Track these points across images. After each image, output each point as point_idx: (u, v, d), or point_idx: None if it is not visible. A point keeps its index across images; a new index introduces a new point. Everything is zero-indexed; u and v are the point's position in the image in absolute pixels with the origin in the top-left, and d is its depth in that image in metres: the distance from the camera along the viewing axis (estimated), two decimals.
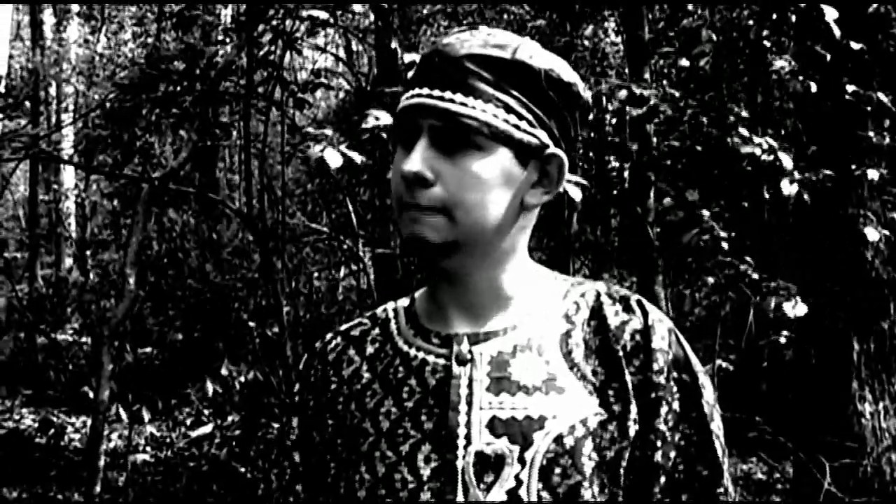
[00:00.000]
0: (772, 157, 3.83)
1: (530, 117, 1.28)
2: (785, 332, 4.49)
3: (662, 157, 5.71)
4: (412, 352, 1.34)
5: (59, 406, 9.06)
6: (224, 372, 6.85)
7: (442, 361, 1.31)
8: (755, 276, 4.08)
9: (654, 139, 6.28)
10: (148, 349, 10.29)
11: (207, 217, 9.86)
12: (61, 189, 14.12)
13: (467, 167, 1.26)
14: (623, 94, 4.35)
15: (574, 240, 7.40)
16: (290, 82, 4.59)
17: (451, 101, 1.26)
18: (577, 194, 3.33)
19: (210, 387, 6.73)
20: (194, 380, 7.94)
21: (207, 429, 7.76)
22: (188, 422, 8.31)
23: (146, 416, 7.57)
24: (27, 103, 11.79)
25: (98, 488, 3.95)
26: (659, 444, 1.28)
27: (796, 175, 3.91)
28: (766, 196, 3.96)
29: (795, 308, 3.91)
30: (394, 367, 1.34)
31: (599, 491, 1.25)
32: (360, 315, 1.50)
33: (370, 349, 1.40)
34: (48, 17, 14.10)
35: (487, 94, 1.26)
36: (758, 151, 3.87)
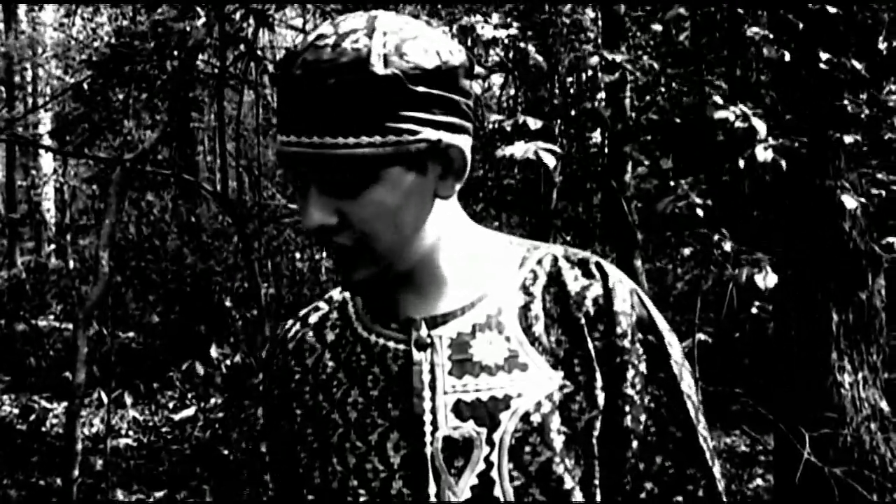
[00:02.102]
0: (746, 124, 3.82)
1: (409, 126, 1.19)
2: (757, 303, 4.49)
3: (638, 127, 5.71)
4: (372, 338, 1.32)
5: (39, 392, 9.01)
6: (213, 354, 6.84)
7: (402, 347, 1.29)
8: (728, 247, 4.07)
9: (632, 114, 6.28)
10: (129, 334, 10.26)
11: (186, 200, 9.81)
12: (39, 174, 14.02)
13: (367, 202, 1.20)
14: (594, 60, 4.32)
15: (555, 216, 7.38)
16: (263, 59, 4.54)
17: (323, 145, 1.17)
18: (550, 160, 3.32)
19: (200, 369, 6.72)
20: (176, 363, 7.92)
21: (190, 412, 7.75)
22: (171, 405, 8.30)
23: (128, 400, 7.55)
24: (1, 87, 11.69)
25: (76, 472, 3.93)
26: (627, 408, 1.26)
27: (770, 141, 3.89)
28: (742, 165, 3.93)
29: (766, 279, 3.91)
30: (356, 355, 1.32)
31: (575, 463, 1.24)
32: (318, 298, 1.47)
33: (331, 335, 1.37)
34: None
35: (355, 123, 1.17)
36: (731, 117, 3.85)
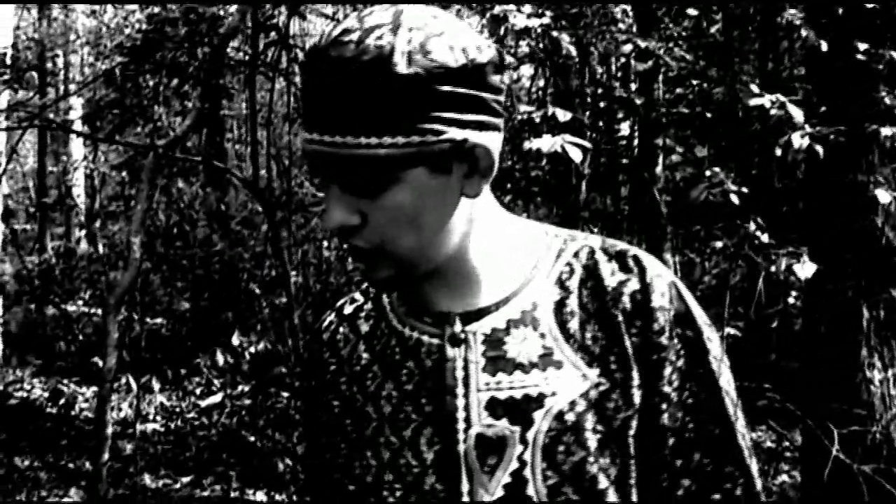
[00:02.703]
0: (782, 112, 3.77)
1: (434, 125, 1.16)
2: (794, 293, 4.44)
3: (670, 119, 5.67)
4: (406, 331, 1.30)
5: (69, 376, 9.10)
6: (235, 342, 6.88)
7: (436, 342, 1.27)
8: (764, 238, 4.03)
9: (663, 106, 6.25)
10: (158, 320, 10.32)
11: (215, 187, 9.85)
12: (70, 160, 14.10)
13: (388, 204, 1.17)
14: (628, 48, 4.28)
15: (583, 208, 7.36)
16: (294, 46, 4.54)
17: (345, 144, 1.15)
18: (577, 155, 3.30)
19: (221, 357, 6.76)
20: (204, 350, 7.97)
21: (217, 398, 7.80)
22: (198, 391, 8.35)
23: (156, 385, 7.61)
24: (34, 74, 11.76)
25: (106, 456, 3.96)
26: (664, 406, 1.23)
27: (807, 129, 3.84)
28: (778, 153, 3.87)
29: (804, 269, 3.87)
30: (391, 348, 1.31)
31: (610, 462, 1.22)
32: (345, 287, 1.47)
33: (365, 327, 1.36)
34: None
35: (377, 123, 1.14)
36: (767, 104, 3.80)
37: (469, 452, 1.22)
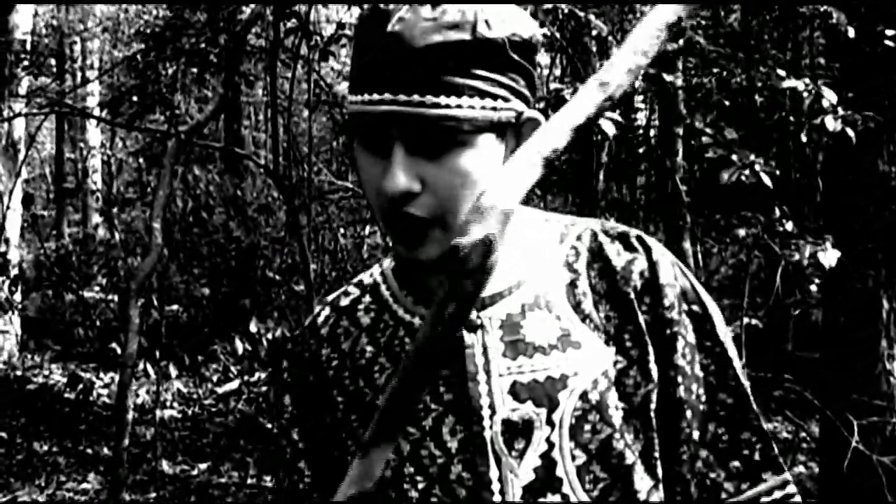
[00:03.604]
0: (814, 94, 3.73)
1: (503, 92, 1.18)
2: (817, 280, 4.41)
3: (689, 109, 5.65)
4: (416, 321, 1.29)
5: (87, 362, 9.14)
6: (252, 329, 6.89)
7: None
8: (789, 226, 4.01)
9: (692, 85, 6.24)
10: (175, 307, 10.36)
11: (233, 174, 9.87)
12: (87, 146, 14.15)
13: (454, 167, 1.17)
14: None
15: (601, 197, 7.35)
16: (314, 33, 4.53)
17: (423, 104, 1.14)
18: (610, 129, 3.30)
19: (239, 344, 6.77)
20: (221, 337, 7.99)
21: (234, 385, 7.83)
22: (215, 378, 8.38)
23: (173, 372, 7.63)
24: (52, 60, 11.80)
25: (126, 442, 3.97)
26: (680, 379, 1.26)
27: (840, 111, 3.80)
28: (803, 139, 3.84)
29: (828, 256, 3.84)
30: (398, 339, 1.29)
31: (634, 438, 1.23)
32: (346, 283, 1.44)
33: (366, 319, 1.33)
34: None
35: (458, 85, 1.15)
36: (801, 86, 3.77)
37: (496, 438, 1.22)
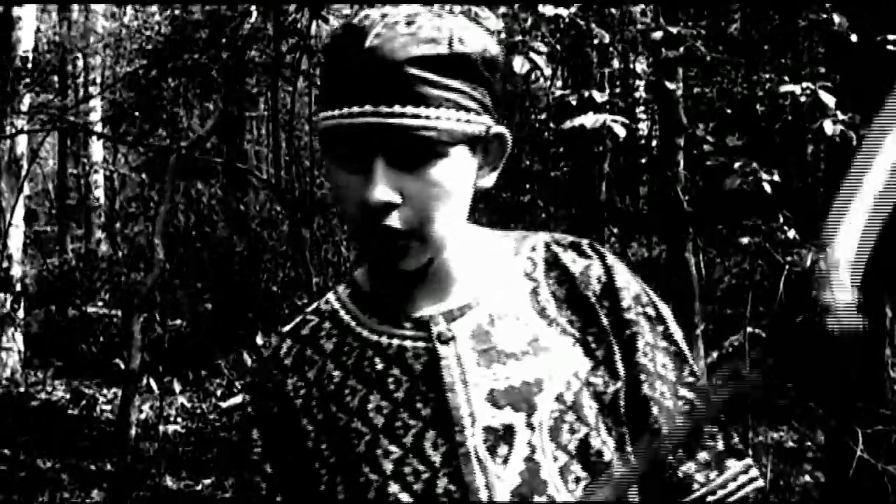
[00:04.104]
0: (812, 98, 3.73)
1: (476, 106, 1.22)
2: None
3: (690, 119, 5.64)
4: (384, 340, 1.29)
5: (90, 378, 9.13)
6: (259, 341, 6.88)
7: (422, 344, 1.28)
8: (791, 234, 4.01)
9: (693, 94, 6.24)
10: (178, 321, 10.36)
11: (235, 188, 9.88)
12: (90, 162, 14.16)
13: (431, 179, 1.20)
14: (658, 35, 4.25)
15: (603, 208, 7.35)
16: (317, 51, 4.55)
17: (404, 115, 1.17)
18: (621, 131, 3.33)
19: (247, 358, 6.76)
20: (225, 351, 7.98)
21: (238, 399, 7.81)
22: (219, 392, 8.37)
23: (177, 387, 7.62)
24: (55, 77, 11.82)
25: (129, 457, 3.97)
26: (643, 377, 1.29)
27: (839, 115, 3.80)
28: (809, 148, 3.86)
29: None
30: (367, 360, 1.29)
31: (607, 434, 1.26)
32: (302, 312, 1.42)
33: (329, 345, 1.33)
34: None
35: (437, 97, 1.18)
36: (798, 90, 3.77)
37: (478, 446, 1.23)
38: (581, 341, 1.29)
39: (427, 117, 1.18)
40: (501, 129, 1.27)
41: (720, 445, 1.32)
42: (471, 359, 1.26)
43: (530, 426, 1.23)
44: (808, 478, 6.46)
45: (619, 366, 1.29)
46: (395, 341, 1.29)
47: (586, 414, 1.25)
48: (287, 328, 1.40)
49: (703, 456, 1.30)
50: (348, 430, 1.27)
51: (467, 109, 1.21)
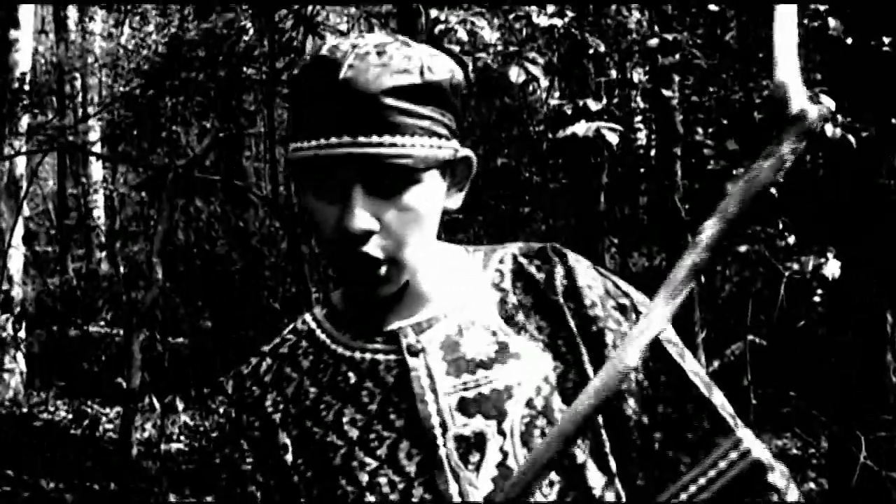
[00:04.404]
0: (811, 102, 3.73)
1: (445, 131, 1.26)
2: (819, 292, 4.40)
3: (687, 128, 5.65)
4: (357, 355, 1.32)
5: (92, 397, 9.12)
6: None
7: (393, 357, 1.30)
8: (791, 240, 4.01)
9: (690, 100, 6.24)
10: (179, 339, 10.35)
11: (234, 205, 9.89)
12: (90, 182, 14.18)
13: (407, 205, 1.24)
14: (654, 42, 4.26)
15: (603, 219, 7.35)
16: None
17: (381, 144, 1.20)
18: (613, 138, 3.35)
19: None
20: (227, 368, 7.98)
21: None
22: (221, 410, 8.35)
23: (179, 405, 7.62)
24: (53, 98, 11.85)
25: (132, 476, 3.97)
26: None
27: (839, 118, 3.81)
28: (806, 155, 3.86)
29: (830, 268, 3.84)
30: (341, 374, 1.32)
31: (582, 438, 1.27)
32: (278, 333, 1.44)
33: (305, 363, 1.36)
34: (72, 10, 14.16)
35: (411, 126, 1.22)
36: None
37: (451, 455, 1.24)
38: (550, 346, 1.31)
39: (403, 146, 1.21)
40: (467, 151, 1.30)
41: (706, 423, 1.30)
42: (440, 369, 1.28)
43: (501, 433, 1.25)
44: (812, 484, 6.45)
45: (589, 367, 1.29)
46: (368, 355, 1.32)
47: (557, 418, 1.26)
48: (266, 347, 1.42)
49: (688, 436, 1.29)
50: (324, 444, 1.28)
51: (438, 136, 1.24)
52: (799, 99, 1.00)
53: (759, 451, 1.29)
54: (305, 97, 1.25)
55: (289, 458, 1.31)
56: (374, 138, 1.20)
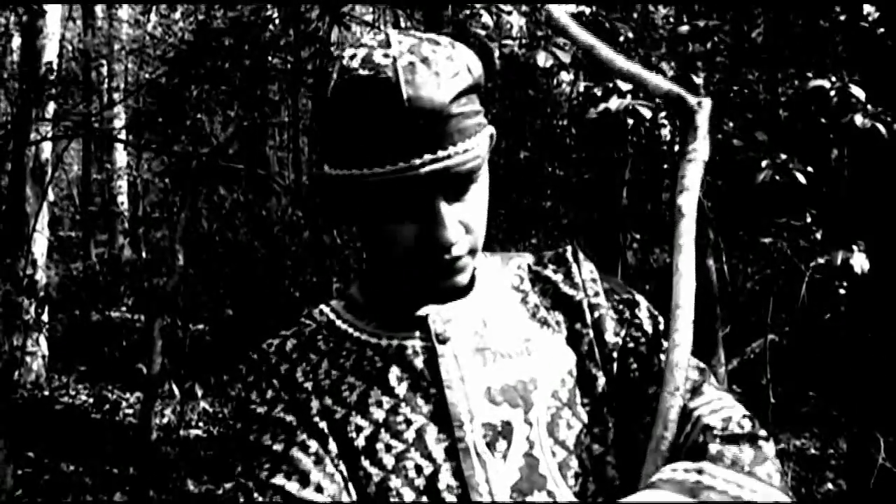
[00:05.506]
0: (840, 92, 3.71)
1: (483, 119, 1.30)
2: (844, 285, 4.37)
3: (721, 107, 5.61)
4: (383, 342, 1.34)
5: (113, 382, 9.18)
6: None
7: (421, 344, 1.32)
8: (819, 234, 3.98)
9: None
10: (200, 326, 10.40)
11: (257, 194, 9.91)
12: (114, 168, 14.25)
13: (476, 200, 1.29)
14: (685, 28, 4.23)
15: (624, 214, 7.33)
16: (335, 55, 4.55)
17: (457, 153, 1.23)
18: (647, 112, 3.33)
19: None
20: (247, 357, 7.99)
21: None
22: (251, 378, 8.36)
23: (199, 391, 7.66)
24: (79, 84, 11.90)
25: (151, 462, 3.99)
26: (616, 355, 1.35)
27: (869, 108, 3.77)
28: (833, 142, 3.82)
29: (859, 261, 3.81)
30: (367, 359, 1.33)
31: (601, 429, 1.30)
32: (295, 322, 1.43)
33: (325, 346, 1.36)
34: None
35: (472, 126, 1.25)
36: (826, 84, 3.75)
37: (478, 442, 1.26)
38: (570, 341, 1.35)
39: (473, 147, 1.25)
40: (491, 128, 1.33)
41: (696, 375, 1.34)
42: (468, 357, 1.31)
43: (528, 422, 1.27)
44: (830, 485, 6.42)
45: (597, 354, 1.34)
46: (395, 341, 1.33)
47: (580, 410, 1.30)
48: (288, 331, 1.41)
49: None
50: (345, 423, 1.29)
51: (483, 125, 1.28)
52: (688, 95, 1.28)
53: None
54: (366, 122, 1.22)
55: (324, 424, 1.29)
56: (451, 150, 1.22)
